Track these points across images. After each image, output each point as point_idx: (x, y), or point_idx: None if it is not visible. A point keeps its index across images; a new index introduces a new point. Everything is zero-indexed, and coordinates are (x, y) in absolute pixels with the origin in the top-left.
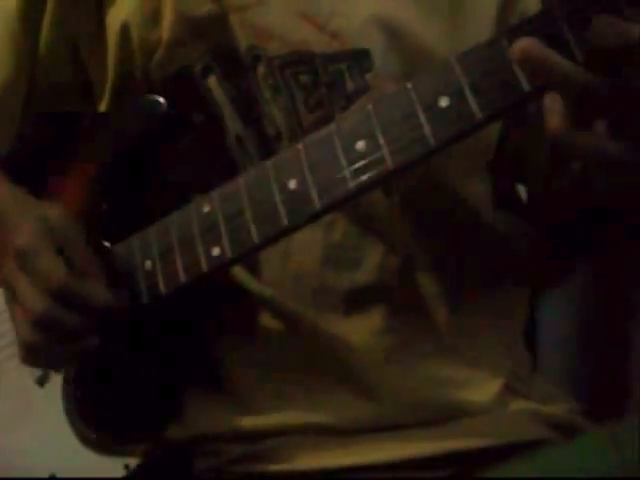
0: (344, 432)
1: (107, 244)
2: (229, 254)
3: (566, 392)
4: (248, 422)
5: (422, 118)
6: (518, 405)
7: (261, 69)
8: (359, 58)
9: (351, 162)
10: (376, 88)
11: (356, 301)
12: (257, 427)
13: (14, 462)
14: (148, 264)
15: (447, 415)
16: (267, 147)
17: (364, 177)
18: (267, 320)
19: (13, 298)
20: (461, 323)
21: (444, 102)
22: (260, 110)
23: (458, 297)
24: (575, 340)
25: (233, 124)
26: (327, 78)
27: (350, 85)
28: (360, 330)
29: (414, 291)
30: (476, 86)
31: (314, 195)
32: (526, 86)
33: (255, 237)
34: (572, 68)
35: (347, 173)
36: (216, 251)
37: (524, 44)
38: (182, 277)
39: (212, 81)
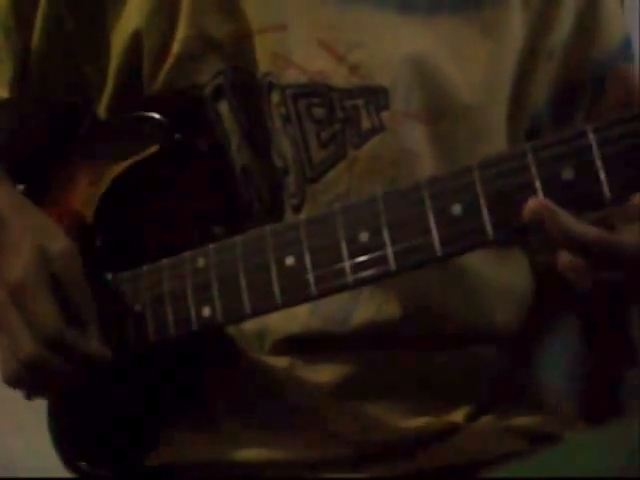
0: (313, 466)
1: (109, 276)
2: (220, 318)
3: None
4: (224, 453)
5: (432, 223)
6: (488, 421)
7: (275, 97)
8: (376, 95)
9: (352, 254)
10: (391, 128)
11: (334, 349)
12: (233, 458)
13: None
14: (138, 307)
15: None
16: (273, 180)
17: (364, 274)
18: (244, 360)
19: (3, 328)
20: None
21: (457, 210)
22: (270, 141)
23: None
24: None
25: (240, 154)
26: (342, 114)
27: (365, 123)
28: (333, 374)
29: (396, 344)
30: (492, 200)
31: (311, 280)
32: None
33: (247, 308)
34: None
35: (347, 266)
36: (207, 312)
37: (534, 206)
38: (172, 331)
39: (223, 106)
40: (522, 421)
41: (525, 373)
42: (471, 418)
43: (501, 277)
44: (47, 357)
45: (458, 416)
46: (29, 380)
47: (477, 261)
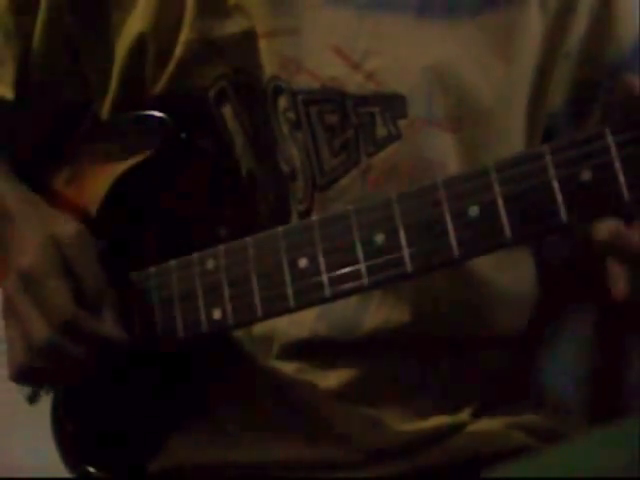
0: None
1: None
2: (230, 320)
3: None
4: (226, 455)
5: (449, 225)
6: (491, 419)
7: (282, 102)
8: (393, 103)
9: (368, 256)
10: (409, 136)
11: (341, 354)
12: (235, 460)
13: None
14: (146, 310)
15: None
16: (280, 185)
17: (380, 276)
18: (249, 364)
19: (14, 316)
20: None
21: (474, 212)
22: (275, 145)
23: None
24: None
25: (245, 157)
26: (356, 121)
27: (381, 130)
28: (340, 379)
29: (403, 349)
30: (510, 202)
31: (325, 281)
32: (564, 216)
33: (259, 311)
34: None
35: (363, 268)
36: (217, 314)
37: (613, 229)
38: (180, 334)
39: (227, 109)
40: (526, 419)
41: (529, 373)
42: (475, 417)
43: (507, 282)
44: (62, 342)
45: (463, 415)
46: (42, 370)
47: (484, 266)
